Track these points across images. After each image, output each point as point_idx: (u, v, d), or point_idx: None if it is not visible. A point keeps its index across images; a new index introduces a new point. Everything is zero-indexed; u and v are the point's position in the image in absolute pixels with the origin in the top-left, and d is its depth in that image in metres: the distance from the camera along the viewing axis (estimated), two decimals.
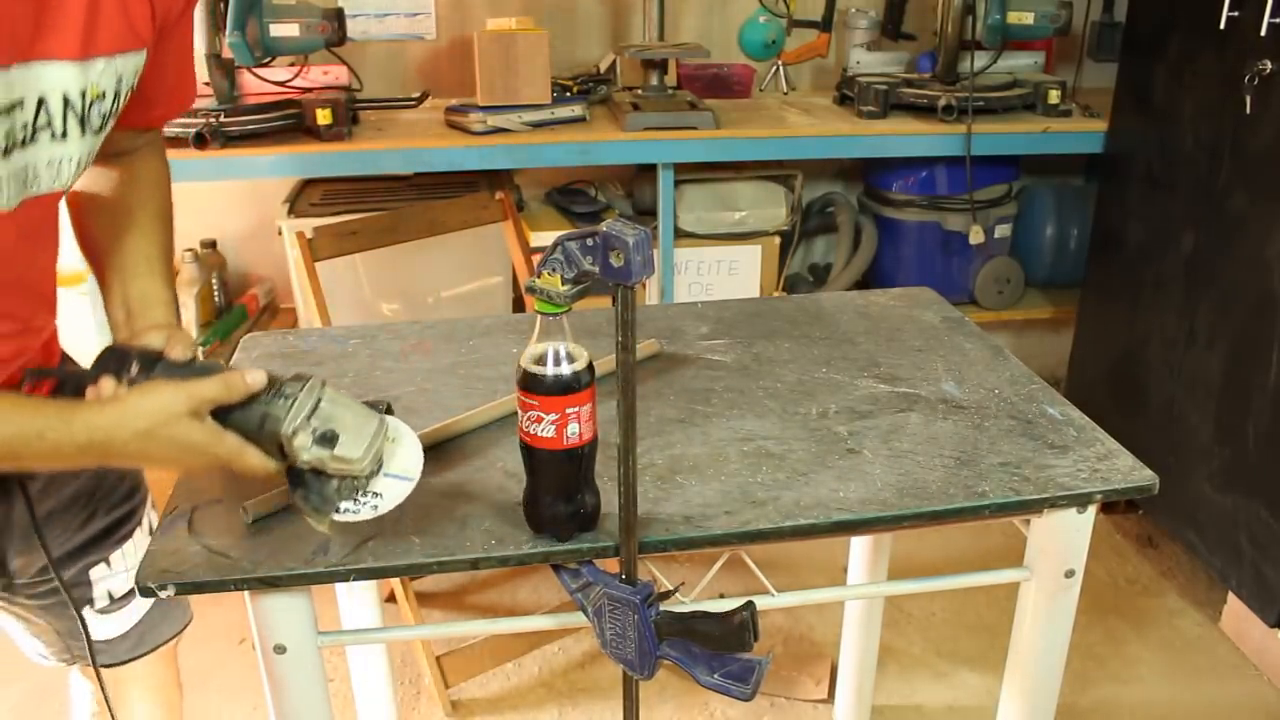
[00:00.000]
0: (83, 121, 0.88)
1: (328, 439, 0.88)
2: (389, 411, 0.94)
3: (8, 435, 0.83)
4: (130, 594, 1.20)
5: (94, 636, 1.19)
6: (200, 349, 0.99)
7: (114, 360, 0.91)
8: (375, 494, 0.92)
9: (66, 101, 0.86)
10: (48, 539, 1.07)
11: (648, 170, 2.50)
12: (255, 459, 0.89)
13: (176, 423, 0.86)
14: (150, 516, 1.23)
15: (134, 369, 0.89)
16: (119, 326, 1.03)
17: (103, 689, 1.14)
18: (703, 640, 0.91)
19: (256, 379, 0.89)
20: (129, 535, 1.19)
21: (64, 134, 0.87)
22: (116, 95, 0.91)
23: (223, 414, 0.89)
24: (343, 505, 0.90)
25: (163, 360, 0.91)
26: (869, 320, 1.42)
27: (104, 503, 1.16)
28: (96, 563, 1.17)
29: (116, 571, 1.18)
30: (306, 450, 0.88)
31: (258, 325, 2.62)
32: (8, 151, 0.83)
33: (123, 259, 1.05)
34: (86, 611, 1.18)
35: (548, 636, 2.06)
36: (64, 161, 0.89)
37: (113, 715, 1.19)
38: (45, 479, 1.09)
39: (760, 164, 2.56)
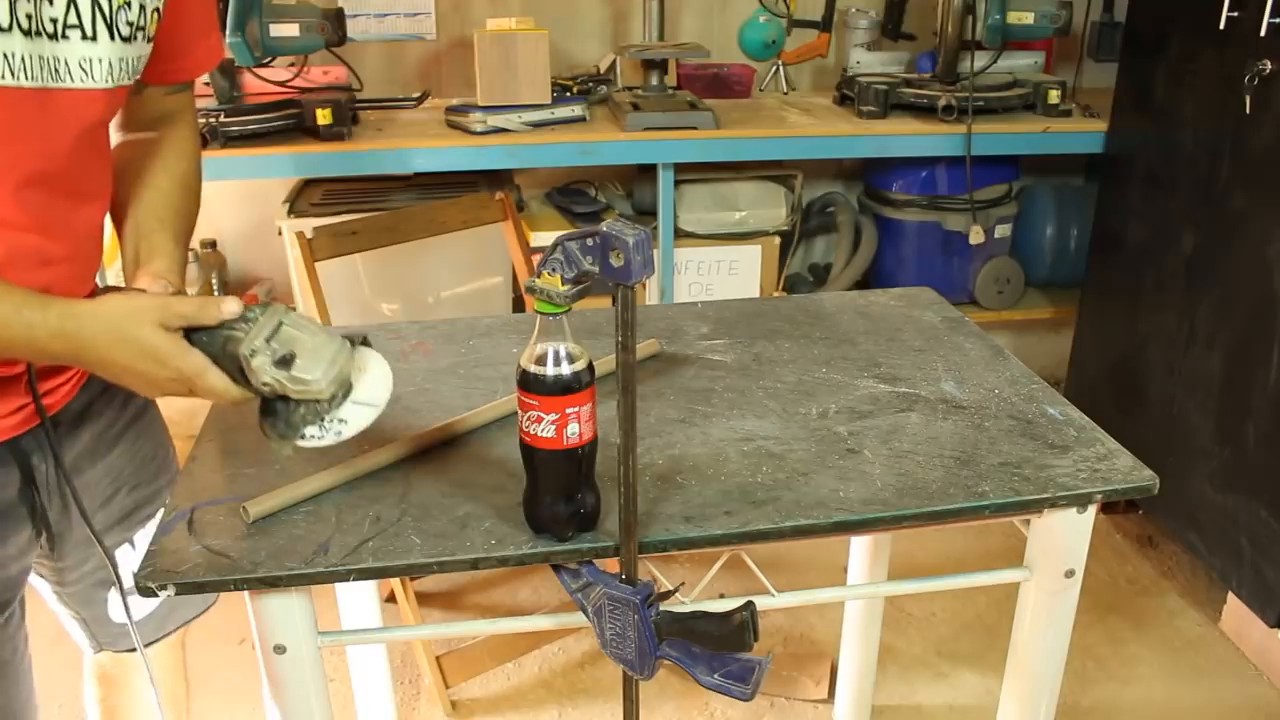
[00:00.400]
0: (111, 27, 0.92)
1: (285, 360, 0.88)
2: (365, 343, 0.95)
3: None
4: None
5: (115, 619, 1.22)
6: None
7: None
8: (340, 420, 0.93)
9: (95, 3, 0.90)
10: (88, 508, 1.09)
11: (648, 170, 2.50)
12: (217, 380, 0.90)
13: (145, 327, 0.88)
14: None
15: None
16: (129, 279, 1.05)
17: (147, 666, 1.17)
18: (703, 640, 0.91)
19: (230, 306, 0.90)
20: (153, 515, 1.20)
21: (94, 35, 0.91)
22: (143, 8, 0.95)
23: (190, 336, 0.90)
24: (307, 431, 0.91)
25: None
26: (869, 320, 1.42)
27: (131, 480, 1.18)
28: (121, 543, 1.18)
29: (140, 551, 1.18)
30: (265, 372, 0.88)
31: None
32: (33, 34, 0.87)
33: (138, 218, 1.07)
34: (111, 593, 1.20)
35: (548, 636, 2.06)
36: (95, 62, 0.92)
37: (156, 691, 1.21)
38: (81, 448, 1.10)
39: (760, 164, 2.56)
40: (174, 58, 1.06)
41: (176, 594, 0.90)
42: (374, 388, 0.95)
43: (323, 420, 0.92)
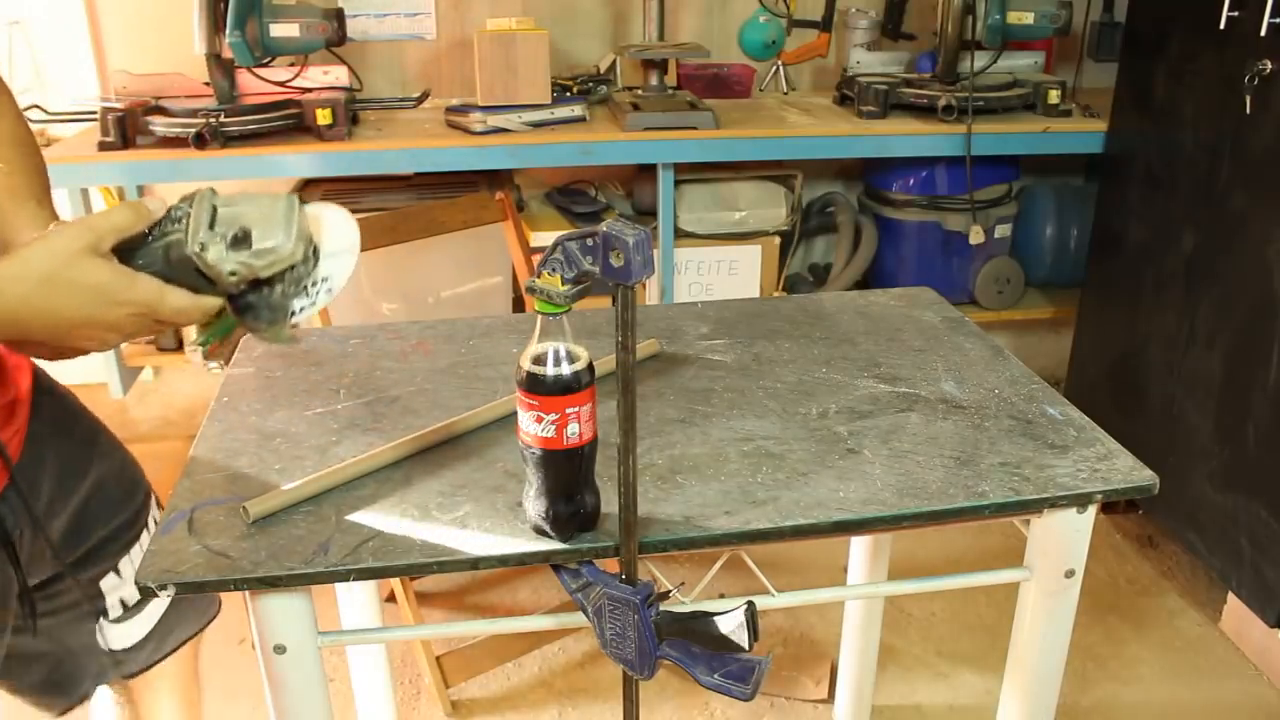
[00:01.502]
0: None
1: (240, 240, 0.79)
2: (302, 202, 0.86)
3: None
4: (143, 601, 1.18)
5: (112, 647, 1.17)
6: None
7: None
8: (323, 279, 0.86)
9: None
10: (63, 546, 1.06)
11: (648, 170, 2.50)
12: (179, 298, 0.80)
13: (79, 261, 0.76)
14: (155, 515, 1.20)
15: None
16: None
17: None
18: (703, 640, 0.91)
19: (153, 203, 0.80)
20: (135, 539, 1.17)
21: None
22: None
23: (129, 263, 0.80)
24: (295, 305, 0.84)
25: None
26: (869, 320, 1.42)
27: (103, 512, 1.14)
28: (105, 573, 1.14)
29: (127, 579, 1.16)
30: (225, 260, 0.79)
31: None
32: None
33: None
34: (102, 623, 1.15)
35: (548, 636, 2.06)
36: None
37: None
38: (49, 490, 1.06)
39: (760, 164, 2.56)
40: None
41: (177, 594, 0.90)
42: (340, 234, 0.87)
43: (306, 287, 0.84)
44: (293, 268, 0.82)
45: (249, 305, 0.83)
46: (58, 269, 0.75)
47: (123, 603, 1.16)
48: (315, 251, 0.85)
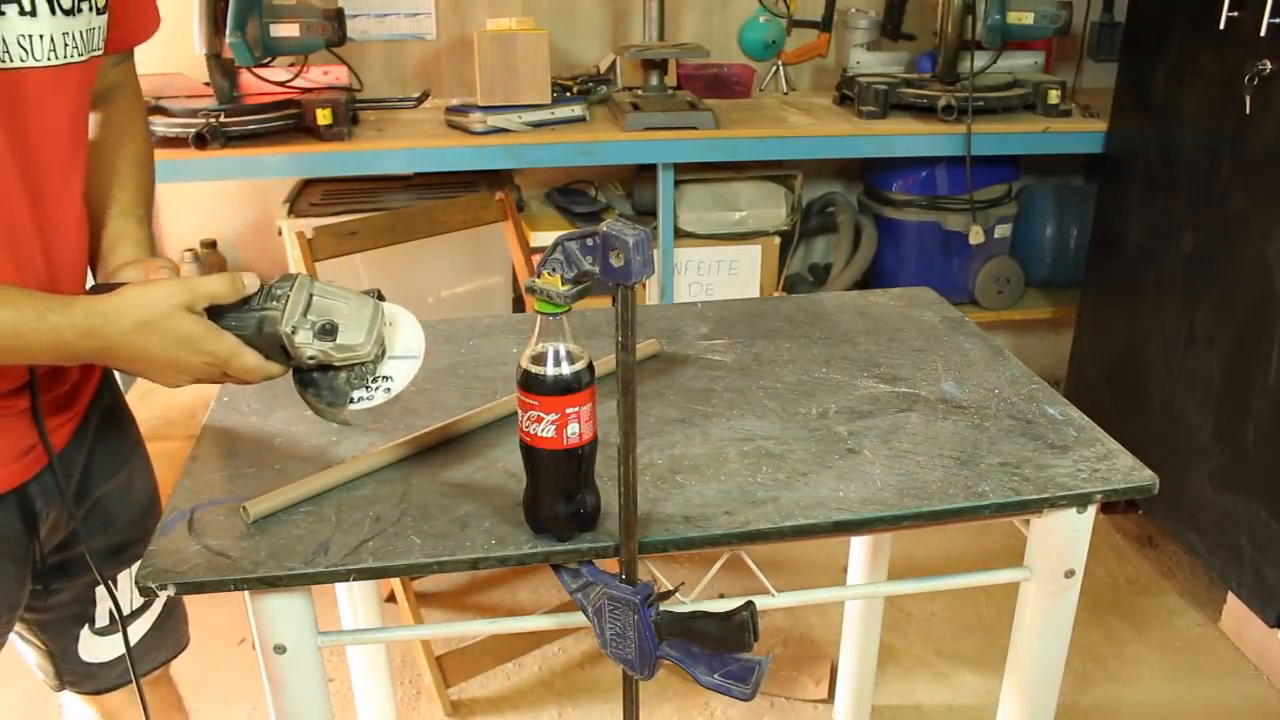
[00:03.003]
0: (51, 1, 0.88)
1: (328, 331, 0.89)
2: (380, 298, 0.95)
3: (8, 316, 0.83)
4: (130, 618, 1.17)
5: (87, 659, 1.17)
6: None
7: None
8: (385, 378, 0.94)
9: None
10: (78, 539, 1.07)
11: (648, 170, 2.50)
12: (253, 360, 0.90)
13: (174, 314, 0.86)
14: None
15: None
16: (96, 271, 1.03)
17: (142, 698, 1.13)
18: (703, 640, 0.91)
19: (252, 280, 0.90)
20: (138, 556, 1.13)
21: (33, 10, 0.87)
22: None
23: (218, 318, 0.90)
24: (355, 395, 0.92)
25: None
26: (869, 320, 1.42)
27: (121, 517, 1.15)
28: (106, 578, 1.13)
29: (122, 593, 1.16)
30: (309, 345, 0.89)
31: None
32: None
33: (97, 206, 1.04)
34: (84, 631, 1.15)
35: (548, 636, 2.06)
36: (35, 39, 0.88)
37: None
38: (81, 472, 1.08)
39: (760, 164, 2.56)
40: (119, 24, 1.01)
41: (177, 593, 0.90)
42: (410, 339, 0.96)
43: (367, 382, 0.93)
44: (361, 364, 0.92)
45: (310, 381, 0.92)
46: (154, 317, 0.86)
47: (111, 615, 1.16)
48: (383, 350, 0.94)
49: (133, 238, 1.03)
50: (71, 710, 1.30)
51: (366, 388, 0.93)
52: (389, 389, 0.94)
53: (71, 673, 1.19)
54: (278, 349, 0.90)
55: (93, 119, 1.07)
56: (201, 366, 0.90)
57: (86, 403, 1.08)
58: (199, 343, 0.88)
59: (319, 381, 0.91)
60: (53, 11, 0.89)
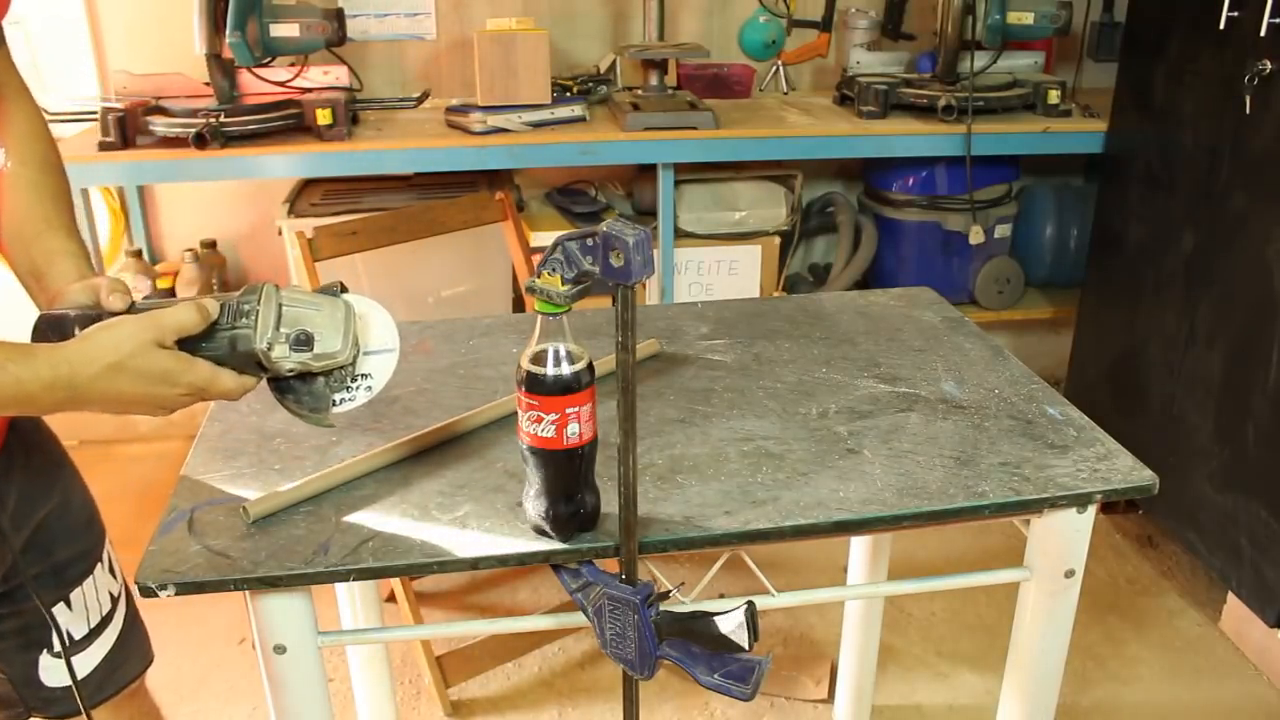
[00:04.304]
0: None
1: (303, 341, 0.88)
2: (344, 290, 0.94)
3: None
4: (89, 638, 1.13)
5: (47, 684, 1.12)
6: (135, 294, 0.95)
7: (53, 329, 0.88)
8: (364, 375, 0.93)
9: None
10: (24, 562, 1.02)
11: (648, 170, 2.50)
12: (230, 381, 0.88)
13: (145, 352, 0.84)
14: (109, 551, 1.16)
15: (76, 332, 0.86)
16: (34, 294, 0.98)
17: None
18: (703, 640, 0.91)
19: (212, 306, 0.88)
20: (89, 572, 1.12)
21: None
22: None
23: (188, 345, 0.88)
24: (337, 397, 0.92)
25: (104, 314, 0.89)
26: (869, 320, 1.42)
27: (62, 535, 1.10)
28: (56, 601, 1.09)
29: (77, 612, 1.11)
30: (287, 359, 0.88)
31: None
32: None
33: (16, 223, 0.98)
34: (43, 657, 1.10)
35: (548, 636, 2.06)
36: None
37: None
38: (14, 502, 1.03)
39: (760, 164, 2.56)
40: None
41: (177, 593, 0.90)
42: (382, 332, 0.95)
43: (346, 383, 0.92)
44: (341, 367, 0.91)
45: (290, 389, 0.91)
46: (124, 358, 0.83)
47: (70, 635, 1.10)
48: (359, 351, 0.94)
49: (68, 252, 0.97)
50: None
51: (347, 389, 0.92)
52: (369, 387, 0.94)
53: (35, 698, 1.13)
54: (253, 364, 0.89)
55: None
56: (179, 398, 0.88)
57: (4, 426, 1.03)
58: (175, 376, 0.86)
59: (298, 389, 0.91)
60: None
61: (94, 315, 0.88)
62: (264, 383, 0.93)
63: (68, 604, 1.10)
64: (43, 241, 0.98)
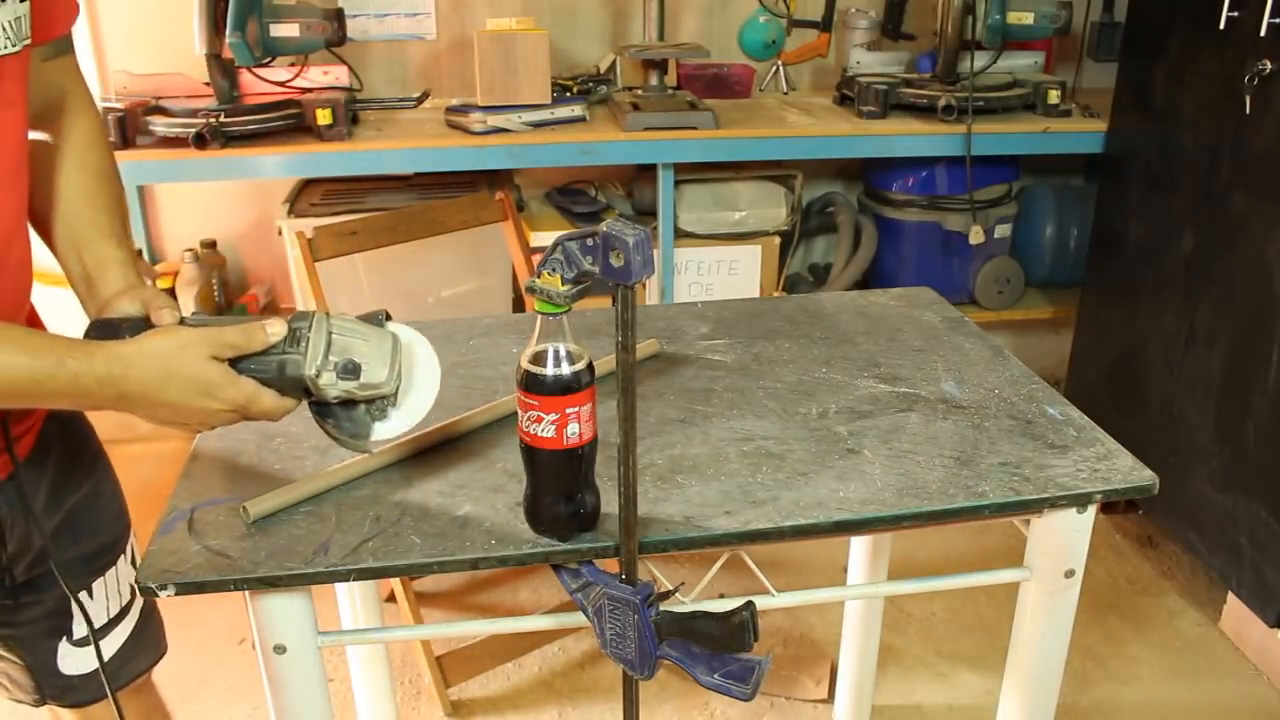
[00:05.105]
0: None
1: (351, 371, 0.90)
2: (388, 318, 0.96)
3: (27, 363, 0.82)
4: (107, 627, 1.15)
5: (66, 671, 1.14)
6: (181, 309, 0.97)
7: (103, 336, 0.90)
8: (404, 406, 0.95)
9: None
10: (50, 550, 1.04)
11: (648, 170, 2.50)
12: (271, 401, 0.90)
13: (197, 362, 0.87)
14: (133, 544, 1.19)
15: (126, 339, 0.89)
16: (84, 300, 1.01)
17: (118, 708, 1.10)
18: (703, 640, 0.91)
19: (276, 329, 0.90)
20: (112, 563, 1.15)
21: None
22: None
23: (238, 364, 0.90)
24: (377, 427, 0.93)
25: (152, 327, 0.91)
26: (869, 320, 1.42)
27: (90, 524, 1.13)
28: (79, 590, 1.11)
29: (98, 600, 1.13)
30: (334, 387, 0.90)
31: None
32: None
33: (72, 230, 1.01)
34: (62, 644, 1.13)
35: (548, 636, 2.06)
36: None
37: None
38: (47, 490, 1.06)
39: (760, 164, 2.56)
40: (41, 13, 0.95)
41: (177, 593, 0.90)
42: (425, 364, 0.96)
43: (387, 412, 0.93)
44: (383, 396, 0.93)
45: (331, 413, 0.93)
46: (176, 363, 0.86)
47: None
48: (401, 383, 0.95)
49: (118, 261, 1.00)
50: None
51: (386, 416, 0.94)
52: (408, 419, 0.95)
53: (52, 686, 1.16)
54: (298, 389, 0.91)
55: (49, 132, 1.04)
56: (219, 413, 0.90)
57: (43, 414, 1.06)
58: (218, 389, 0.88)
59: (339, 414, 0.92)
60: None
61: (142, 324, 0.91)
62: (303, 404, 0.94)
63: (89, 592, 1.13)
64: (95, 249, 1.00)
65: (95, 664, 1.14)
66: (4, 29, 0.89)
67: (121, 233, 1.03)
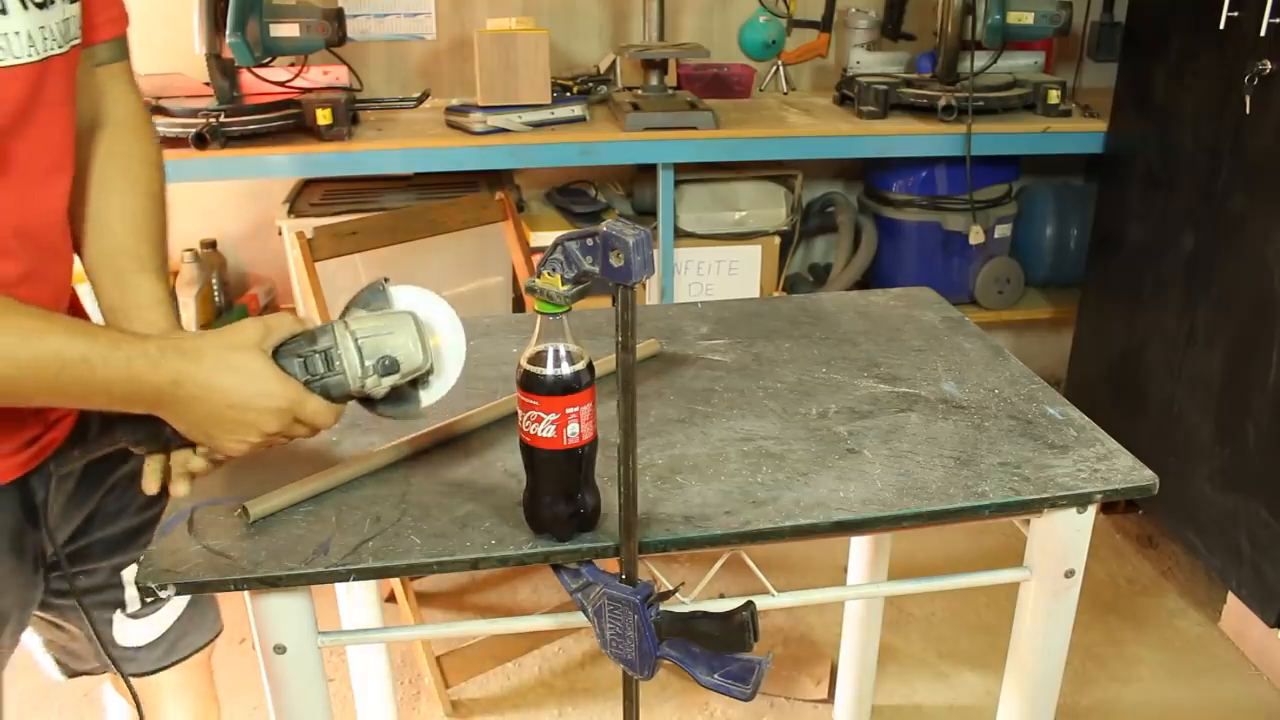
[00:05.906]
0: None
1: (391, 367, 0.91)
2: (387, 282, 0.96)
3: (80, 344, 0.81)
4: (159, 600, 1.18)
5: (123, 643, 1.17)
6: None
7: None
8: (438, 371, 0.96)
9: None
10: (97, 521, 1.07)
11: (648, 170, 2.50)
12: (319, 403, 0.90)
13: (250, 351, 0.86)
14: None
15: None
16: (112, 325, 1.00)
17: (133, 695, 1.11)
18: (703, 640, 0.91)
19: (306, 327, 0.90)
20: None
21: (3, 9, 0.84)
22: None
23: None
24: (423, 396, 0.95)
25: None
26: (869, 320, 1.42)
27: (133, 501, 1.14)
28: (128, 562, 1.14)
29: None
30: (380, 386, 0.91)
31: None
32: None
33: (111, 257, 1.00)
34: (117, 615, 1.16)
35: (548, 636, 2.06)
36: (11, 36, 0.85)
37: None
38: (89, 469, 1.07)
39: (760, 164, 2.56)
40: (90, 15, 0.96)
41: (177, 594, 0.90)
42: (446, 319, 0.96)
43: (429, 381, 0.95)
44: (426, 373, 0.94)
45: (379, 403, 0.94)
46: (232, 352, 0.86)
47: (142, 597, 1.15)
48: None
49: (158, 301, 0.99)
50: (111, 704, 1.32)
51: (427, 385, 0.95)
52: (452, 375, 0.96)
53: (115, 656, 1.18)
54: (345, 400, 0.92)
55: (98, 146, 1.03)
56: (270, 414, 0.88)
57: None
58: (267, 383, 0.87)
59: (387, 400, 0.94)
60: (24, 7, 0.86)
61: None
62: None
63: (139, 564, 1.14)
64: (136, 284, 1.00)
65: (150, 636, 1.18)
66: (52, 29, 0.89)
67: (161, 267, 1.02)
